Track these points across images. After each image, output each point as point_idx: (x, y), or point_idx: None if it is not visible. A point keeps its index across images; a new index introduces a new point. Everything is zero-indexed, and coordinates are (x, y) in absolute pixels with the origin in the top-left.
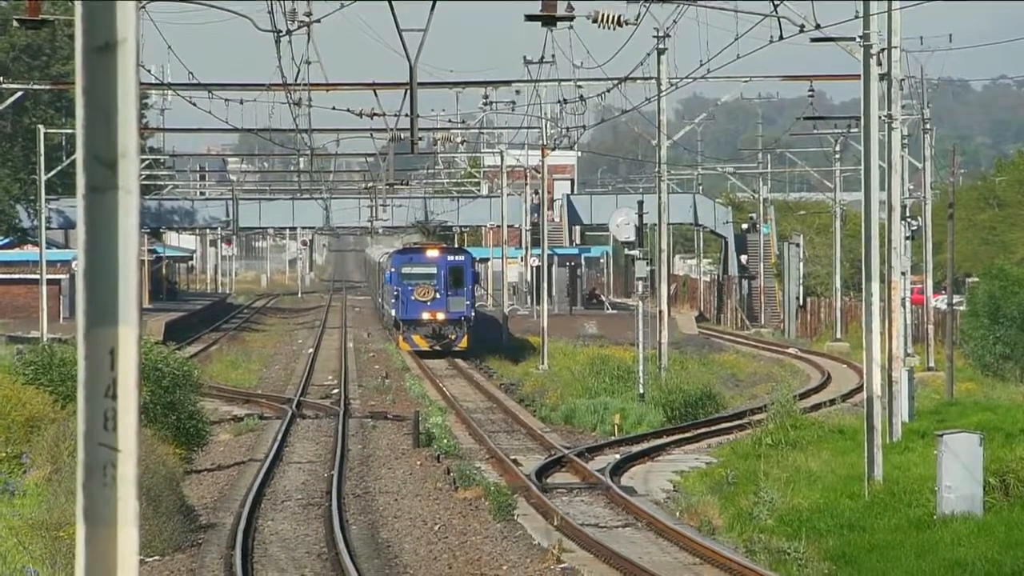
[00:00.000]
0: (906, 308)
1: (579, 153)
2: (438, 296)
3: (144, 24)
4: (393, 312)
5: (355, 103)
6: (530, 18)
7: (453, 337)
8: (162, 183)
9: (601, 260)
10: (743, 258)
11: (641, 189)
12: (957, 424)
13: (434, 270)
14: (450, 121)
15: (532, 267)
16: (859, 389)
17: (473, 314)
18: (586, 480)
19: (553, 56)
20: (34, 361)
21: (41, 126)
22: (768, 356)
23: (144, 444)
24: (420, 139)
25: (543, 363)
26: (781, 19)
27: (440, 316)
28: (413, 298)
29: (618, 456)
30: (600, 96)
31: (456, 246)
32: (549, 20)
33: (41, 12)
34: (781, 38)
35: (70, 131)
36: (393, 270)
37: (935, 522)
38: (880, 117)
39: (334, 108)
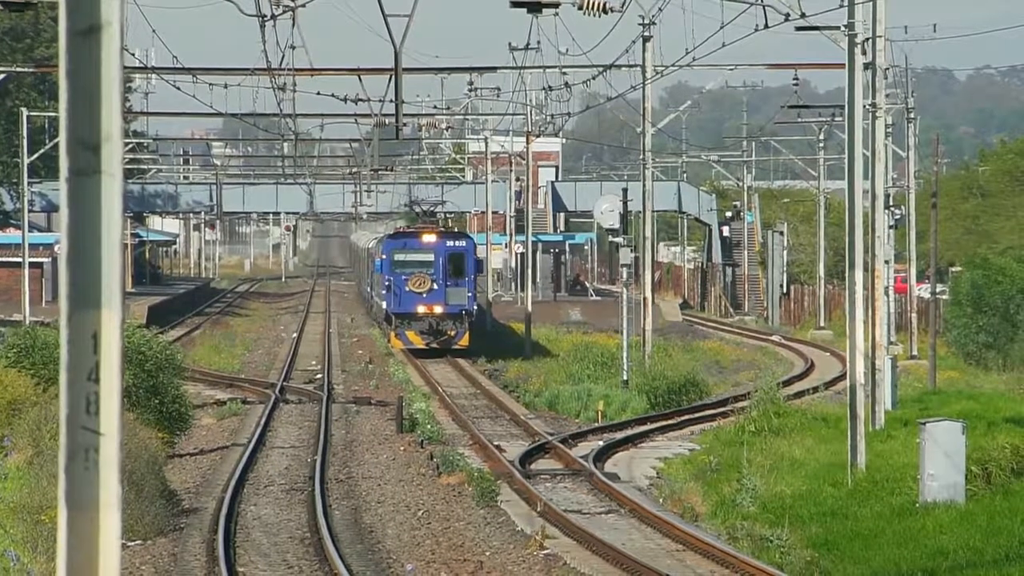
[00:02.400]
0: (889, 297)
1: (564, 140)
2: (435, 287)
3: (128, 7)
4: (384, 305)
5: (340, 88)
6: (516, 4)
7: (453, 334)
8: (146, 167)
9: (585, 247)
10: (725, 229)
11: (626, 176)
12: (940, 413)
13: (431, 257)
14: (435, 107)
15: (516, 253)
16: (842, 377)
17: (476, 307)
18: (569, 466)
19: (538, 43)
20: (16, 344)
21: (24, 109)
22: (752, 343)
23: (126, 428)
24: (405, 125)
25: (527, 350)
26: (766, 7)
27: (438, 310)
28: (407, 289)
29: (601, 443)
30: (585, 83)
31: (457, 229)
32: (535, 7)
33: None
34: (766, 26)
35: (53, 114)
36: (384, 257)
37: (917, 510)
38: (864, 106)
39: (318, 93)
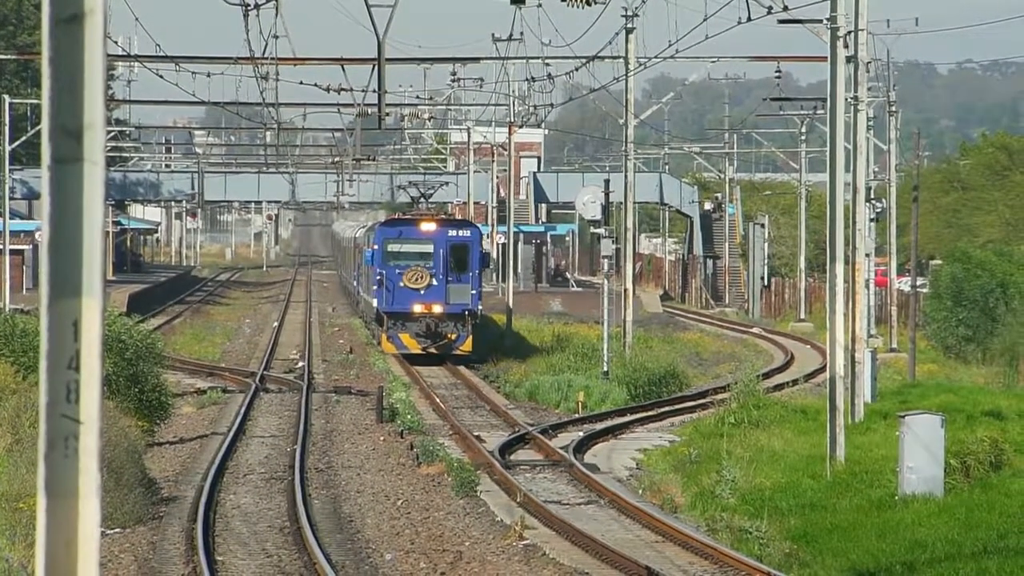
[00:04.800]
0: (870, 289)
1: (546, 131)
2: (435, 283)
3: None
4: (375, 302)
5: (323, 78)
6: None
7: (453, 337)
8: (128, 155)
9: (567, 238)
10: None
11: (608, 168)
12: (919, 405)
13: (430, 248)
14: (418, 97)
15: (498, 244)
16: (822, 369)
17: (480, 307)
18: (549, 457)
19: (522, 34)
20: None
21: (6, 96)
22: (732, 335)
23: (106, 416)
24: (387, 115)
25: (508, 340)
26: (749, 0)
27: (437, 309)
28: (402, 284)
29: (582, 433)
30: (568, 74)
31: (460, 217)
32: None
33: None
34: (749, 19)
35: (36, 101)
36: (376, 247)
37: (896, 503)
38: (846, 99)
39: (301, 82)
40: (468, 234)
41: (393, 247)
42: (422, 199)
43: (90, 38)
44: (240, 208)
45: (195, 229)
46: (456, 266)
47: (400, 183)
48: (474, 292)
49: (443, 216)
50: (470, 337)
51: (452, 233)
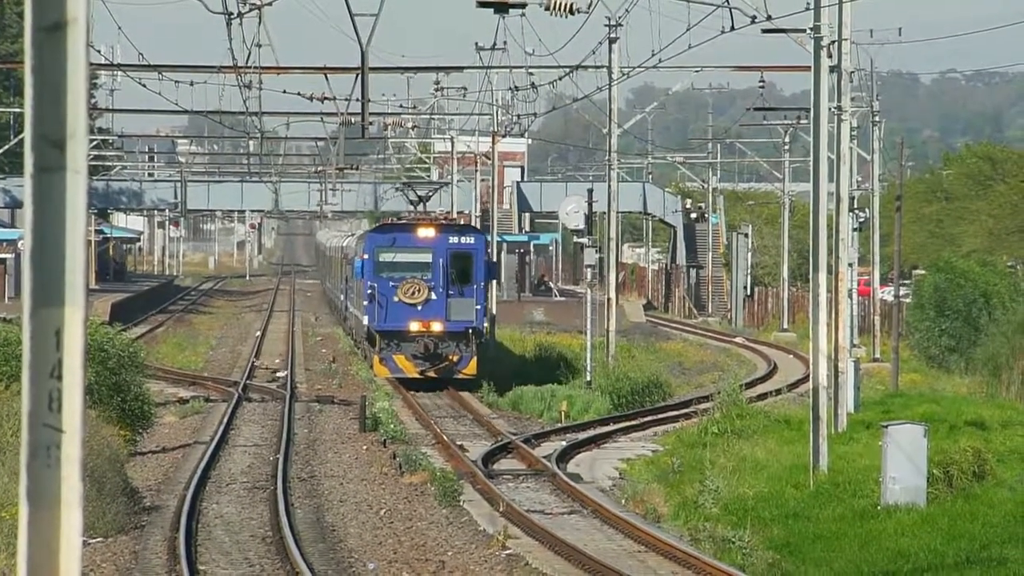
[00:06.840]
0: (853, 299)
1: (530, 140)
2: (434, 297)
3: (95, 3)
4: (365, 320)
5: (306, 87)
6: (482, 4)
7: (455, 359)
8: (111, 164)
9: (550, 247)
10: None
11: (591, 177)
12: (902, 415)
13: (428, 257)
14: (401, 106)
15: None
16: (805, 379)
17: (485, 325)
18: (532, 466)
19: (505, 43)
20: None
21: None
22: (715, 345)
23: (88, 425)
24: (371, 124)
25: (491, 350)
26: (733, 10)
27: (436, 327)
28: (396, 299)
29: (564, 443)
30: (551, 84)
31: (462, 223)
32: (501, 7)
33: None
34: (733, 29)
35: (19, 110)
36: (367, 256)
37: (879, 512)
38: (830, 109)
39: (285, 91)
40: (471, 241)
41: (386, 256)
42: (420, 202)
43: (73, 47)
44: (223, 217)
45: (178, 238)
46: (458, 278)
47: (397, 186)
48: (478, 307)
49: (442, 221)
50: (474, 358)
51: (453, 240)
